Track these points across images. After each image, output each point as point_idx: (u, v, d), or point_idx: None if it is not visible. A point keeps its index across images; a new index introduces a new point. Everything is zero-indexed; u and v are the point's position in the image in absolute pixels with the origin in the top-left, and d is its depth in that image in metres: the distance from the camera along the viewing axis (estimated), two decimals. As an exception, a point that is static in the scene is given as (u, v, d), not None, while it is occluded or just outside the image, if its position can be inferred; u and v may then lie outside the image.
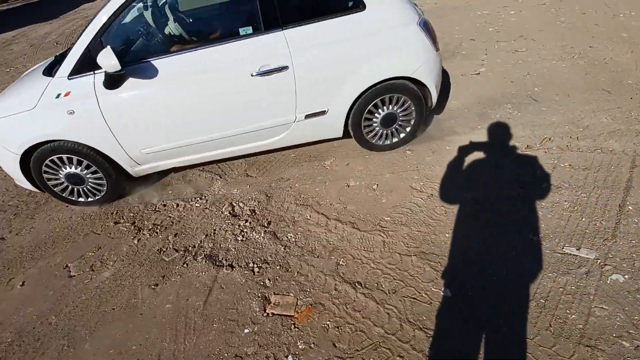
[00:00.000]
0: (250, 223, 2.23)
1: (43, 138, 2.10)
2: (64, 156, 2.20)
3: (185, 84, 2.09)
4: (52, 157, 2.20)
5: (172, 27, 2.53)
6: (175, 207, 2.46)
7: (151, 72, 2.03)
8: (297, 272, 1.88)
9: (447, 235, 1.95)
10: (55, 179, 2.31)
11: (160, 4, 2.57)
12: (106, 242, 2.24)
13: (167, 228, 2.29)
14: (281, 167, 2.69)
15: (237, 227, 2.22)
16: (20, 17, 11.58)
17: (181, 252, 2.09)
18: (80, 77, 2.02)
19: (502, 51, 3.92)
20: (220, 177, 2.68)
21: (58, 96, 2.03)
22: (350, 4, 2.15)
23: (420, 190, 2.28)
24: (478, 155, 2.50)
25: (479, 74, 3.56)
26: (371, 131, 2.55)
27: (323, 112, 2.33)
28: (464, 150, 2.56)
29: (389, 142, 2.63)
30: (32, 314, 1.86)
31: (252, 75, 2.08)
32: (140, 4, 2.26)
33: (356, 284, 1.77)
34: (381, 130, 2.55)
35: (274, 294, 1.79)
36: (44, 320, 1.82)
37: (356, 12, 2.11)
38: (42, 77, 2.12)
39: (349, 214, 2.19)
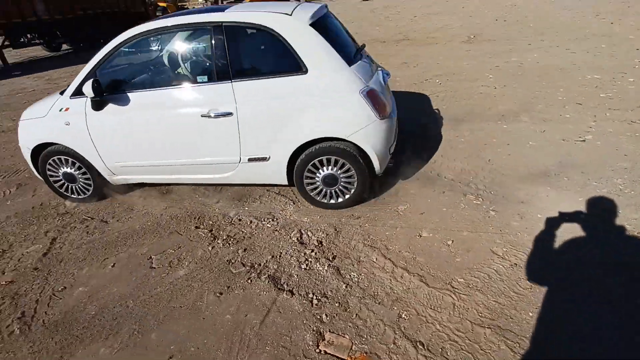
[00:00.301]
0: (315, 253, 2.26)
1: (45, 140, 2.74)
2: (63, 157, 2.80)
3: (149, 115, 2.53)
4: (54, 157, 2.82)
5: (150, 68, 3.14)
6: (249, 223, 2.60)
7: (125, 102, 2.53)
8: (356, 314, 1.82)
9: (530, 314, 1.72)
10: (56, 175, 2.91)
11: (143, 50, 3.20)
12: (186, 243, 2.45)
13: (239, 242, 2.42)
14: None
15: (302, 254, 2.26)
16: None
17: (247, 268, 2.18)
18: (78, 98, 2.58)
19: (615, 120, 3.54)
20: (294, 203, 2.78)
21: (61, 110, 2.65)
22: (294, 67, 2.34)
23: (503, 257, 2.08)
24: (576, 230, 2.21)
25: (584, 140, 3.24)
26: (315, 188, 2.63)
27: (265, 159, 2.53)
28: (559, 222, 2.29)
29: (333, 202, 2.67)
30: (115, 294, 2.08)
31: (201, 116, 2.42)
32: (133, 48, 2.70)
33: (418, 344, 1.64)
34: (325, 189, 2.62)
35: (329, 331, 1.74)
36: (123, 302, 2.01)
37: (299, 75, 2.33)
38: (57, 95, 2.78)
39: (418, 266, 2.09)
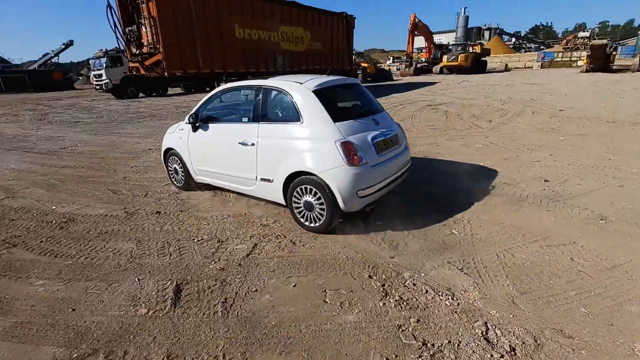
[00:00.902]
0: (505, 361, 1.85)
1: (169, 146, 4.51)
2: (174, 157, 4.46)
3: (215, 139, 3.91)
4: (171, 156, 4.54)
5: (223, 110, 4.23)
6: (424, 292, 2.41)
7: (206, 129, 4.00)
8: None
9: None
10: (170, 168, 4.63)
11: (224, 98, 4.16)
12: (358, 288, 2.47)
13: (412, 309, 2.26)
14: (558, 312, 2.14)
15: (488, 355, 1.88)
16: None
17: (419, 343, 1.98)
18: (188, 123, 4.07)
19: None
20: (477, 287, 2.43)
21: (179, 129, 4.34)
22: (295, 118, 3.25)
23: None
24: None
25: None
26: (300, 210, 3.33)
27: (270, 180, 3.42)
28: None
29: (312, 225, 3.29)
30: (292, 313, 2.25)
31: (238, 143, 3.58)
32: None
33: None
34: (305, 212, 3.29)
35: None
36: (297, 324, 2.15)
37: (297, 123, 3.23)
38: (184, 122, 4.20)
39: None
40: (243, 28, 13.27)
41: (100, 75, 20.43)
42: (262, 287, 2.51)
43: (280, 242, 3.14)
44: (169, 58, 11.14)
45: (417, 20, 31.41)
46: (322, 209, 3.15)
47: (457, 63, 29.68)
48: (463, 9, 64.84)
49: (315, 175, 3.08)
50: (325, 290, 2.46)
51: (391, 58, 61.16)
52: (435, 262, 2.76)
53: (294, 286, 2.52)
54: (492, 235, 3.17)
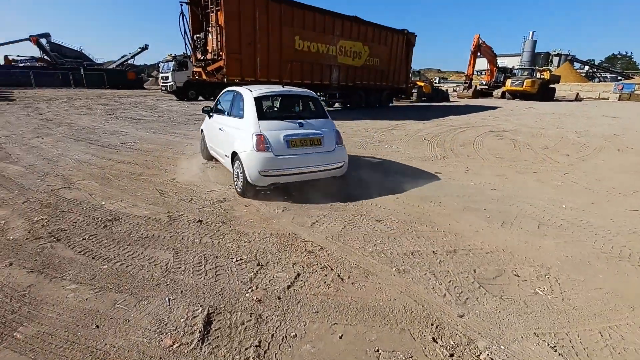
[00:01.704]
0: None
1: (202, 127, 6.16)
2: (202, 135, 6.14)
3: (214, 124, 5.39)
4: (202, 134, 6.17)
5: (223, 107, 5.47)
6: (506, 373, 1.87)
7: (212, 118, 5.60)
8: None
9: None
10: (201, 143, 6.26)
11: (226, 100, 5.43)
12: (419, 355, 1.99)
13: (493, 398, 1.73)
14: None
15: None
16: (403, 114, 15.32)
17: None
18: (204, 112, 5.78)
19: None
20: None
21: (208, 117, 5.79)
22: (242, 114, 4.55)
23: None
24: None
25: None
26: (237, 177, 4.53)
27: (227, 156, 4.76)
28: None
29: (237, 189, 4.58)
30: (336, 376, 1.83)
31: (218, 129, 5.12)
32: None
33: None
34: (236, 180, 4.56)
35: None
36: (342, 393, 1.72)
37: (241, 118, 4.53)
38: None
39: None
40: (303, 40, 13.38)
41: (166, 78, 21.87)
42: (302, 332, 2.13)
43: (326, 275, 2.75)
44: (230, 65, 11.47)
45: (481, 41, 30.07)
46: (242, 179, 4.31)
47: (521, 88, 27.76)
48: (531, 33, 61.48)
49: (238, 155, 4.29)
50: (378, 350, 2.01)
51: (437, 78, 58.30)
52: (517, 332, 2.20)
53: (340, 337, 2.10)
54: (590, 303, 2.52)
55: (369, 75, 16.97)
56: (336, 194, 4.62)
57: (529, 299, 2.55)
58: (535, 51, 61.81)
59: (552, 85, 30.27)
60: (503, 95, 29.70)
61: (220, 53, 11.45)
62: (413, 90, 24.34)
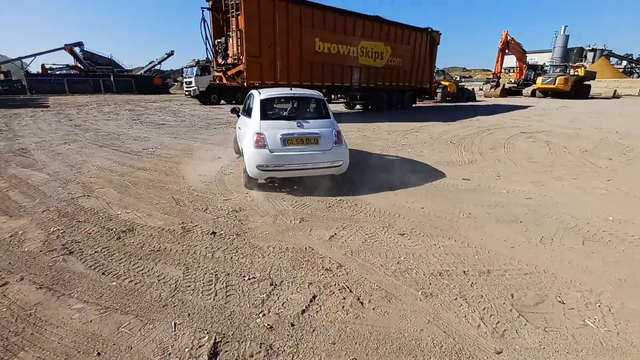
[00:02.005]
0: None
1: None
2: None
3: (238, 123, 6.16)
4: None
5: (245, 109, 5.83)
6: None
7: (240, 118, 6.01)
8: None
9: None
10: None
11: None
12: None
13: None
14: None
15: None
16: (427, 115, 14.81)
17: None
18: (236, 114, 6.48)
19: None
20: None
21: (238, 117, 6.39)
22: (251, 114, 5.03)
23: None
24: None
25: None
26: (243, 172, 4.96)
27: (242, 151, 5.11)
28: None
29: (243, 181, 5.04)
30: None
31: (238, 127, 6.14)
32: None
33: None
34: (243, 173, 5.01)
35: None
36: None
37: (249, 117, 5.03)
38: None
39: None
40: (323, 42, 13.20)
41: (190, 83, 22.32)
42: (317, 368, 1.91)
43: (344, 298, 2.51)
44: (250, 69, 11.45)
45: (509, 37, 28.84)
46: (245, 173, 4.79)
47: (554, 86, 26.37)
48: (563, 28, 58.65)
49: (243, 150, 4.80)
50: (403, 395, 1.76)
51: (458, 77, 54.42)
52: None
53: None
54: (653, 339, 2.15)
55: (391, 76, 16.55)
56: (356, 203, 4.38)
57: (577, 332, 2.22)
58: (568, 47, 58.86)
59: (587, 82, 28.58)
60: (533, 94, 28.36)
61: (241, 57, 11.45)
62: (437, 90, 23.62)
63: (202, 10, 11.85)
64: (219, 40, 12.64)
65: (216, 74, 12.96)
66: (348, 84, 14.72)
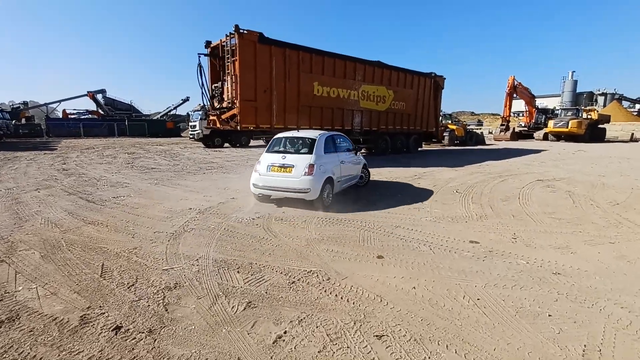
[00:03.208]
0: None
1: None
2: None
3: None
4: None
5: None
6: None
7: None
8: None
9: None
10: None
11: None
12: None
13: None
14: None
15: None
16: (433, 160, 13.92)
17: None
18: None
19: None
20: None
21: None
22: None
23: None
24: None
25: None
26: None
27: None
28: None
29: None
30: None
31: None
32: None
33: None
34: None
35: None
36: None
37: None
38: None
39: None
40: (322, 86, 12.89)
41: (194, 126, 22.44)
42: None
43: None
44: (244, 113, 11.04)
45: (516, 82, 28.71)
46: None
47: (567, 129, 25.54)
48: (570, 73, 59.23)
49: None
50: None
51: (466, 121, 52.18)
52: None
53: None
54: None
55: (394, 120, 16.06)
56: (328, 277, 3.38)
57: None
58: (577, 91, 58.89)
59: (601, 126, 27.70)
60: (546, 137, 27.53)
61: (235, 101, 11.11)
62: (444, 134, 23.03)
63: (199, 56, 11.80)
64: (215, 85, 12.47)
65: (211, 117, 12.63)
66: (349, 127, 14.19)
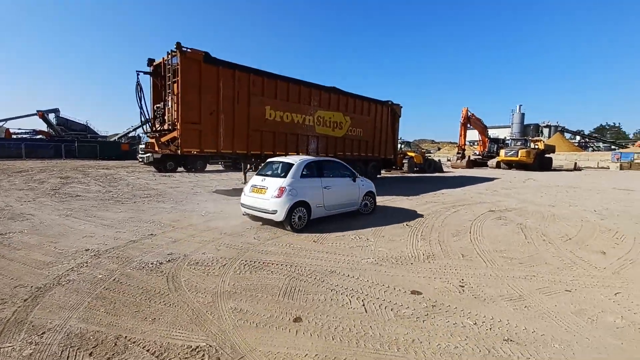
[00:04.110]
0: None
1: None
2: None
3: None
4: None
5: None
6: None
7: None
8: None
9: None
10: None
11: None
12: None
13: None
14: None
15: None
16: (389, 188, 13.51)
17: None
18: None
19: None
20: None
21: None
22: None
23: None
24: None
25: None
26: None
27: None
28: None
29: None
30: None
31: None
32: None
33: None
34: None
35: None
36: None
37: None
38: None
39: None
40: (275, 110, 12.29)
41: (144, 149, 20.83)
42: None
43: None
44: (186, 136, 10.08)
45: (470, 113, 30.11)
46: None
47: (517, 158, 26.77)
48: (518, 106, 63.81)
49: None
50: None
51: (426, 149, 53.07)
52: None
53: None
54: None
55: (352, 146, 15.73)
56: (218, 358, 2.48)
57: None
58: (525, 123, 63.47)
59: (548, 155, 29.42)
60: (498, 165, 28.68)
61: (176, 123, 10.14)
62: (404, 161, 23.18)
63: (137, 74, 10.80)
64: (158, 105, 11.46)
65: (149, 140, 11.47)
66: (304, 153, 13.58)
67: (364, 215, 7.87)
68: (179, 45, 9.72)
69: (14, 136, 42.87)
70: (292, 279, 4.07)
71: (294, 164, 6.64)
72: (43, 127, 48.42)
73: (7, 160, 29.57)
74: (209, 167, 23.28)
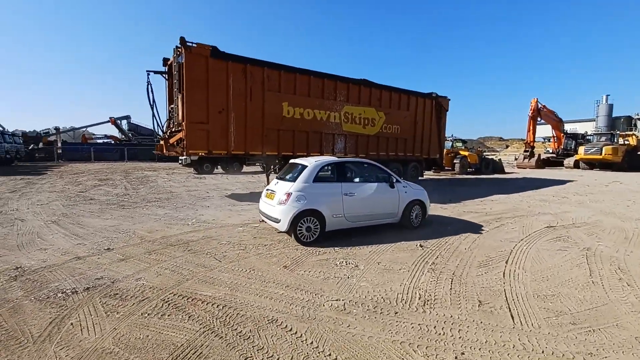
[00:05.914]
0: None
1: None
2: None
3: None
4: None
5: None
6: None
7: None
8: None
9: None
10: None
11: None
12: None
13: None
14: None
15: None
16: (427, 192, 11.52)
17: None
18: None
19: None
20: None
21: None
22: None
23: None
24: None
25: None
26: None
27: None
28: None
29: None
30: None
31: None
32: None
33: None
34: None
35: None
36: None
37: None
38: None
39: None
40: (294, 107, 11.21)
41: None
42: None
43: None
44: (192, 137, 9.46)
45: (540, 105, 25.98)
46: None
47: (600, 156, 22.37)
48: (604, 97, 54.87)
49: None
50: None
51: (484, 148, 47.65)
52: None
53: None
54: None
55: (387, 145, 14.02)
56: None
57: None
58: (613, 116, 54.30)
59: (642, 152, 24.19)
60: (577, 165, 24.35)
61: (182, 123, 9.60)
62: (455, 161, 20.60)
63: (148, 74, 10.51)
64: (172, 105, 11.11)
65: (161, 142, 11.14)
66: (330, 153, 12.30)
67: (395, 230, 6.35)
68: (182, 40, 9.11)
69: (90, 141, 48.09)
70: (206, 332, 2.88)
71: (306, 167, 5.80)
72: (115, 132, 53.71)
73: (78, 162, 32.98)
74: (247, 169, 23.11)
